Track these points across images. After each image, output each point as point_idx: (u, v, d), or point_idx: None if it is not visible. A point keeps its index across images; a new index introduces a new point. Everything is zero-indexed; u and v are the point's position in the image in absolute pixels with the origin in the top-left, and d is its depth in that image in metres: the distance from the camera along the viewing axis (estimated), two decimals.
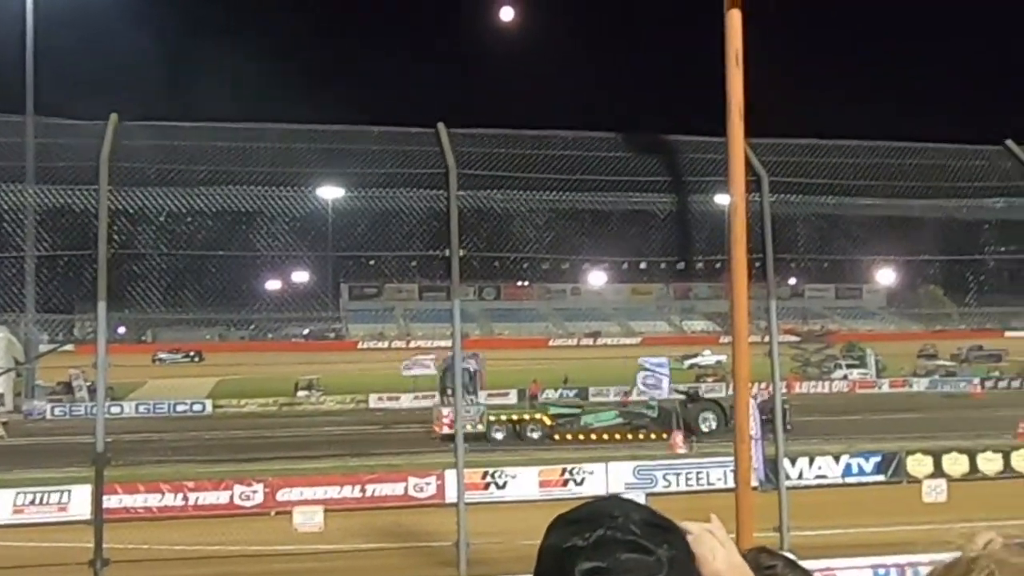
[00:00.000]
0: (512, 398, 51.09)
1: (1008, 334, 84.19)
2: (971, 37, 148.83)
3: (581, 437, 31.82)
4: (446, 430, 30.49)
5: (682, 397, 34.44)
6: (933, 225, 13.49)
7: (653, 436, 31.09)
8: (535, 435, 32.24)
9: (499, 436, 32.09)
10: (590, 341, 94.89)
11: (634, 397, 49.76)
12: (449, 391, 36.16)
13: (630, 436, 31.55)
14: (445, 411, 32.91)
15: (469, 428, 30.74)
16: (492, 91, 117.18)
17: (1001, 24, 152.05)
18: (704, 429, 32.60)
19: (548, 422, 32.86)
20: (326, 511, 15.34)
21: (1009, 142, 12.44)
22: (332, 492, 19.51)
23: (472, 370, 37.92)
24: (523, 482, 20.78)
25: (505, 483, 20.59)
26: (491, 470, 20.82)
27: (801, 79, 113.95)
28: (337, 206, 14.58)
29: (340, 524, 15.86)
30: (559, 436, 32.04)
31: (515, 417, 34.05)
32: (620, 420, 33.14)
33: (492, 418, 33.06)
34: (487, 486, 20.35)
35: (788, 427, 33.96)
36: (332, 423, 39.91)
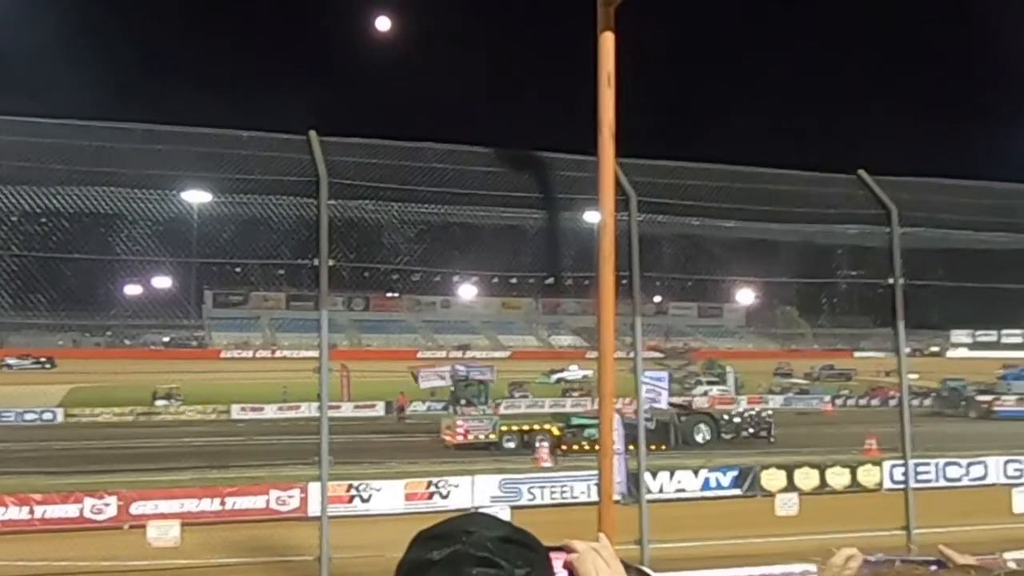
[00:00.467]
0: (379, 410, 50.74)
1: (857, 354, 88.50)
2: (830, 76, 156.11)
3: (587, 447, 32.24)
4: (460, 439, 32.55)
5: (675, 410, 35.38)
6: (790, 249, 14.07)
7: (652, 447, 31.34)
8: (544, 444, 32.54)
9: (510, 445, 33.12)
10: (459, 354, 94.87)
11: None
12: (463, 401, 37.72)
13: (631, 447, 31.64)
14: (460, 421, 34.43)
15: (482, 437, 33.39)
16: (366, 101, 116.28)
17: (858, 63, 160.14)
18: (699, 440, 34.27)
19: (556, 432, 33.60)
20: (183, 525, 14.85)
21: (862, 172, 13.08)
22: (190, 505, 18.89)
23: (486, 380, 38.91)
24: (388, 495, 20.58)
25: (370, 496, 20.36)
26: (356, 483, 20.56)
27: (670, 102, 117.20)
28: (203, 211, 14.19)
29: (198, 538, 15.37)
30: (566, 446, 32.62)
31: (525, 427, 34.87)
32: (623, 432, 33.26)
33: (504, 428, 34.14)
34: (352, 499, 20.08)
35: (772, 439, 35.40)
36: (192, 434, 38.76)
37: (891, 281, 12.78)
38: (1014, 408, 48.82)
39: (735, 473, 23.40)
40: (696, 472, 23.40)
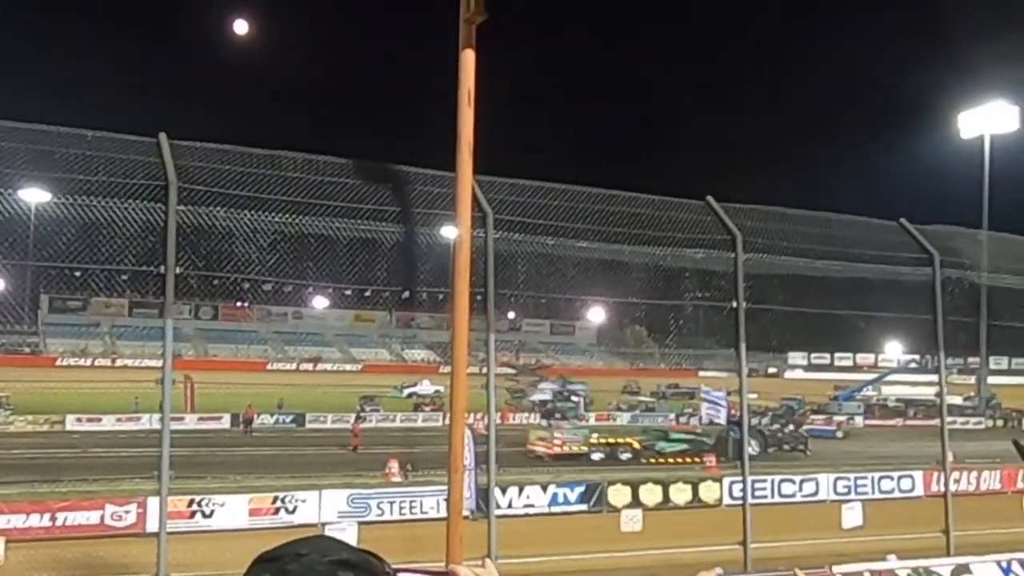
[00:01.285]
0: (225, 422, 49.30)
1: (702, 373, 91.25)
2: (686, 105, 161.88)
3: (663, 460, 36.03)
4: (556, 450, 35.86)
5: (732, 426, 39.86)
6: (640, 270, 14.45)
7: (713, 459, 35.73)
8: (625, 456, 36.57)
9: (597, 456, 36.21)
10: (310, 366, 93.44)
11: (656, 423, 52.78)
12: (557, 415, 42.54)
13: (697, 459, 35.77)
14: (557, 434, 37.82)
15: (575, 449, 36.29)
16: (221, 105, 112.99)
17: (714, 92, 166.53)
18: (751, 452, 36.22)
19: (636, 445, 37.41)
20: (8, 542, 14.06)
21: (709, 198, 13.57)
22: (16, 521, 17.87)
23: (581, 395, 43.83)
24: (232, 510, 20.01)
25: (213, 511, 19.74)
26: (198, 498, 19.92)
27: (528, 121, 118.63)
28: (41, 211, 13.48)
29: (24, 556, 14.60)
30: (645, 459, 36.17)
31: (611, 440, 38.26)
32: (687, 446, 37.49)
33: (592, 441, 37.45)
34: (193, 515, 19.44)
35: (808, 453, 39.32)
36: (22, 445, 36.71)
37: (735, 304, 13.29)
38: (821, 427, 52.67)
39: (582, 489, 23.77)
40: (544, 488, 23.66)
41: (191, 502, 19.59)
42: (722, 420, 35.60)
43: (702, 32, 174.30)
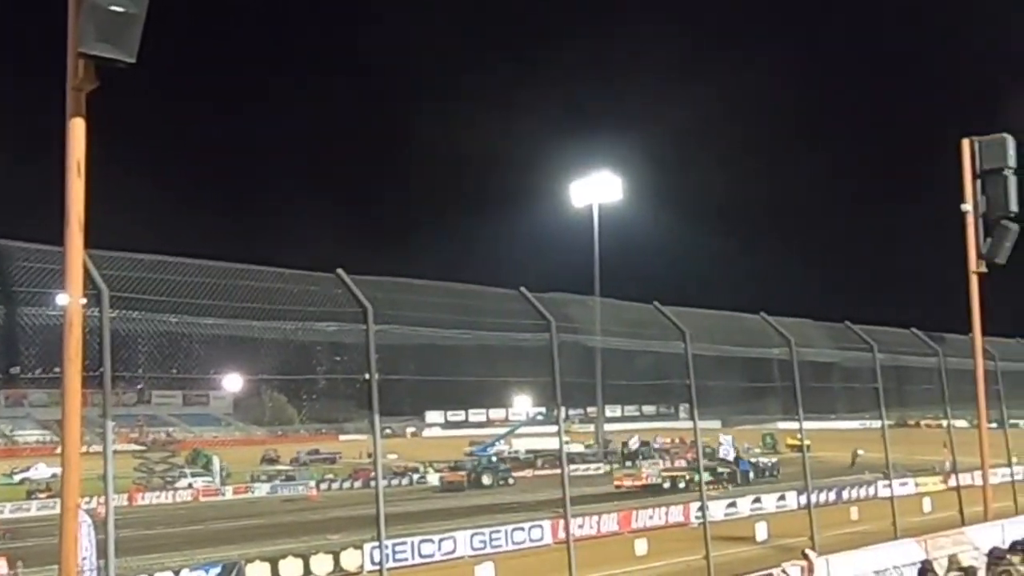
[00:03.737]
0: None
1: (342, 437, 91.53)
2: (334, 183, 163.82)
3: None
4: (643, 482, 46.41)
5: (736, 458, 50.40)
6: (272, 345, 14.17)
7: (731, 486, 45.29)
8: (681, 485, 44.58)
9: (667, 486, 45.28)
10: None
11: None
12: (628, 463, 57.44)
13: (720, 487, 44.41)
14: (643, 471, 49.44)
15: (653, 481, 46.67)
16: None
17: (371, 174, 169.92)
18: (749, 479, 49.00)
19: (688, 477, 45.75)
20: None
21: (340, 271, 13.62)
22: None
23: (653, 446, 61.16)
24: None
25: None
26: None
27: (153, 195, 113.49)
28: None
29: None
30: (691, 489, 42.18)
31: (674, 475, 48.00)
32: (712, 477, 44.63)
33: (664, 475, 48.19)
34: None
35: (778, 477, 48.95)
36: None
37: (367, 376, 13.38)
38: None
39: (218, 570, 22.69)
40: (177, 572, 22.32)
41: None
42: (731, 456, 49.41)
43: (334, 108, 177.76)
